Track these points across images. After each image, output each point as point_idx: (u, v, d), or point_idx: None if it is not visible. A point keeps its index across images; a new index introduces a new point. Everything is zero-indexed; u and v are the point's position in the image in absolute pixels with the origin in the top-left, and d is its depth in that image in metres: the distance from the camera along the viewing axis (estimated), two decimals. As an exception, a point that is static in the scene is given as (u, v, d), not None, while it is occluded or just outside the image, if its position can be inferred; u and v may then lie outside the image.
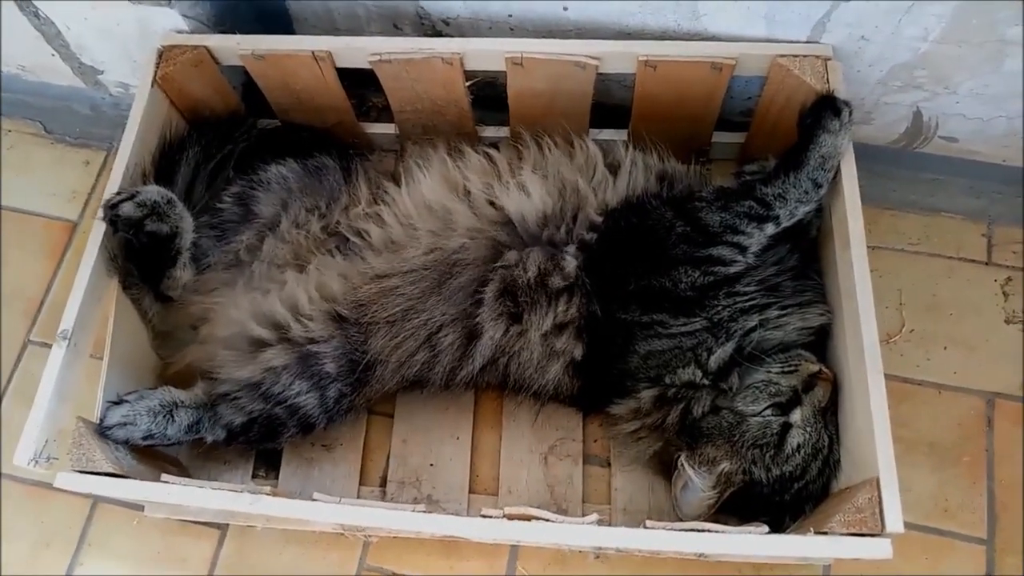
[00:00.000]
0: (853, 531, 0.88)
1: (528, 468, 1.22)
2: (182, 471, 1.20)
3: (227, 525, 1.23)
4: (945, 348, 1.26)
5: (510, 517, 0.93)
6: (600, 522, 0.92)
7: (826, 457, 1.02)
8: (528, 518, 0.93)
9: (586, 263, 1.07)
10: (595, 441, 1.24)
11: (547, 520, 0.92)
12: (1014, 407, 1.22)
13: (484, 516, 0.92)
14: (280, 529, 1.21)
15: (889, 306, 1.28)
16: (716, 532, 0.90)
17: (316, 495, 0.95)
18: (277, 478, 1.24)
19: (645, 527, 0.91)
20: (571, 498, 1.20)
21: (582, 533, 0.90)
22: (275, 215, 1.19)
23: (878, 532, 0.88)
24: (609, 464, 1.22)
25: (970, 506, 1.17)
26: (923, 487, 1.17)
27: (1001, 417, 1.21)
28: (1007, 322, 1.27)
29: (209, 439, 1.11)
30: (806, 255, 1.12)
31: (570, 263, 1.07)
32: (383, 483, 1.23)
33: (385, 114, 1.39)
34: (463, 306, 1.08)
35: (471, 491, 1.22)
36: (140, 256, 1.12)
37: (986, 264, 1.31)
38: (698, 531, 0.90)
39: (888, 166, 1.34)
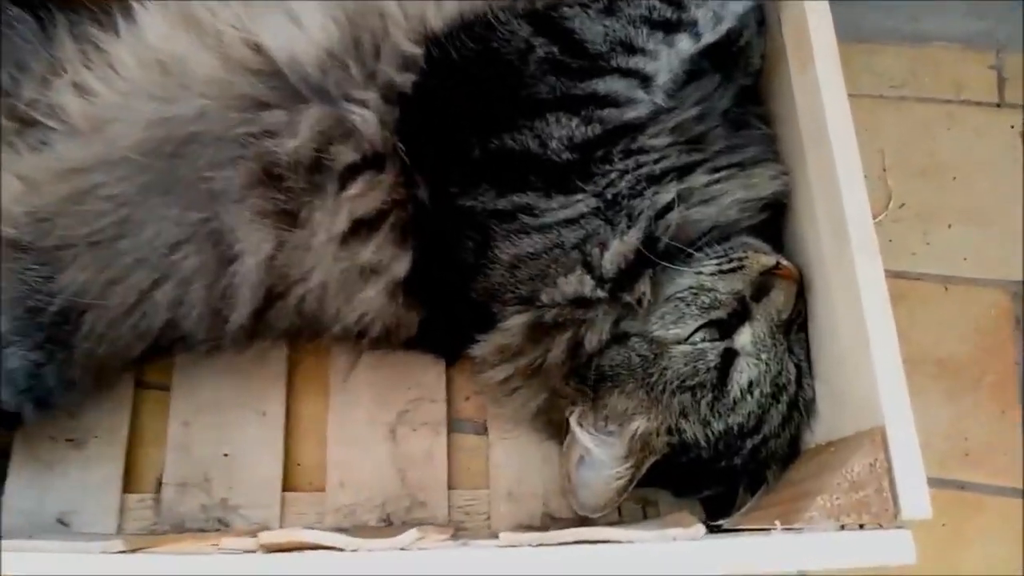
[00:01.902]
0: (849, 522, 0.52)
1: (368, 447, 0.86)
2: None
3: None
4: (950, 226, 0.99)
5: (268, 549, 0.54)
6: (422, 539, 0.55)
7: (793, 397, 0.71)
8: (300, 547, 0.54)
9: (400, 122, 0.68)
10: (466, 399, 0.89)
11: (330, 548, 0.54)
12: (1050, 299, 0.96)
13: (216, 547, 0.54)
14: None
15: (869, 174, 0.92)
16: (617, 544, 0.52)
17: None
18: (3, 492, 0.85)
19: (498, 541, 0.54)
20: (431, 484, 0.85)
21: (384, 564, 0.52)
22: (-79, 100, 0.77)
23: (890, 520, 0.52)
24: (486, 430, 0.87)
25: (1000, 445, 0.90)
26: (934, 423, 0.91)
27: (1034, 315, 0.96)
28: (1032, 182, 1.02)
29: None
30: (746, 94, 0.79)
31: (368, 120, 0.68)
32: (158, 487, 0.85)
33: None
34: (206, 209, 0.68)
35: (286, 488, 0.85)
36: None
37: (997, 106, 1.04)
38: (588, 542, 0.53)
39: (856, -18, 1.02)
